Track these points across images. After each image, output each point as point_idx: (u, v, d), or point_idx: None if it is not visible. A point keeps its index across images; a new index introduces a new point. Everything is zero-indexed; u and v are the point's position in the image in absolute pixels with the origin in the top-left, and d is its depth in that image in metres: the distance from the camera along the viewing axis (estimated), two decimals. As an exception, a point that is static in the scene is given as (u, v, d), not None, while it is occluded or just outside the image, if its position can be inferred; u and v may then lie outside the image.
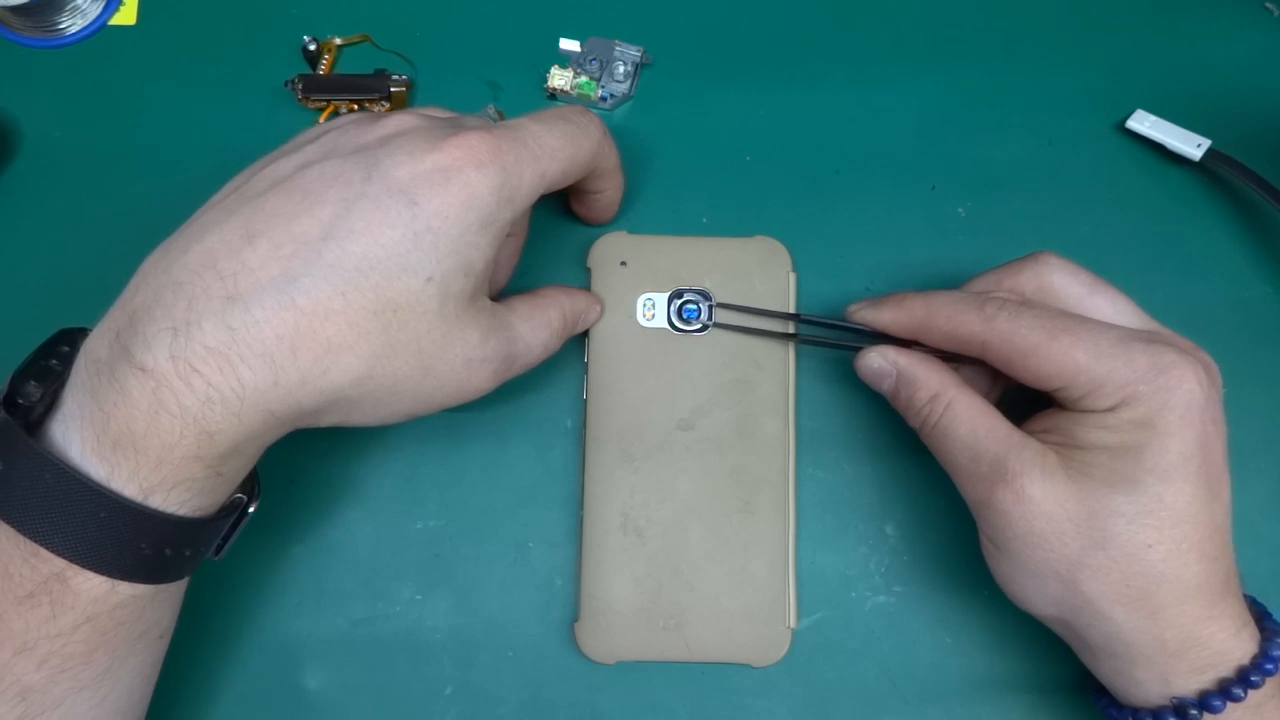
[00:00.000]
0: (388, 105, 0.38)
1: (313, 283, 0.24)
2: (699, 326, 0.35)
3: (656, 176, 0.38)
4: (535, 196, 0.28)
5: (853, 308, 0.32)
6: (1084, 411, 0.27)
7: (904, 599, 0.34)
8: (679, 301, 0.35)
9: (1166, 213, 0.38)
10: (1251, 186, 0.36)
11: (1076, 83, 0.39)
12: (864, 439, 0.35)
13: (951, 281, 0.37)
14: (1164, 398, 0.26)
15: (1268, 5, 0.40)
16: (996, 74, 0.39)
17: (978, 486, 0.28)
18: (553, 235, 0.37)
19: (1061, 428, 0.28)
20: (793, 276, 0.35)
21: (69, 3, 0.39)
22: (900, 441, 0.35)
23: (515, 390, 0.36)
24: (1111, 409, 0.27)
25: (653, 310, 0.35)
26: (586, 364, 0.35)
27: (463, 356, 0.27)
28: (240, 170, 0.29)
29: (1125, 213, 0.38)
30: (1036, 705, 0.33)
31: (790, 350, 0.35)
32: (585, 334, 0.35)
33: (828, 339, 0.34)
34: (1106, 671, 0.28)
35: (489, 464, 0.35)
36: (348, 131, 0.28)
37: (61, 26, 0.40)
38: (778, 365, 0.35)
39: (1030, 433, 0.29)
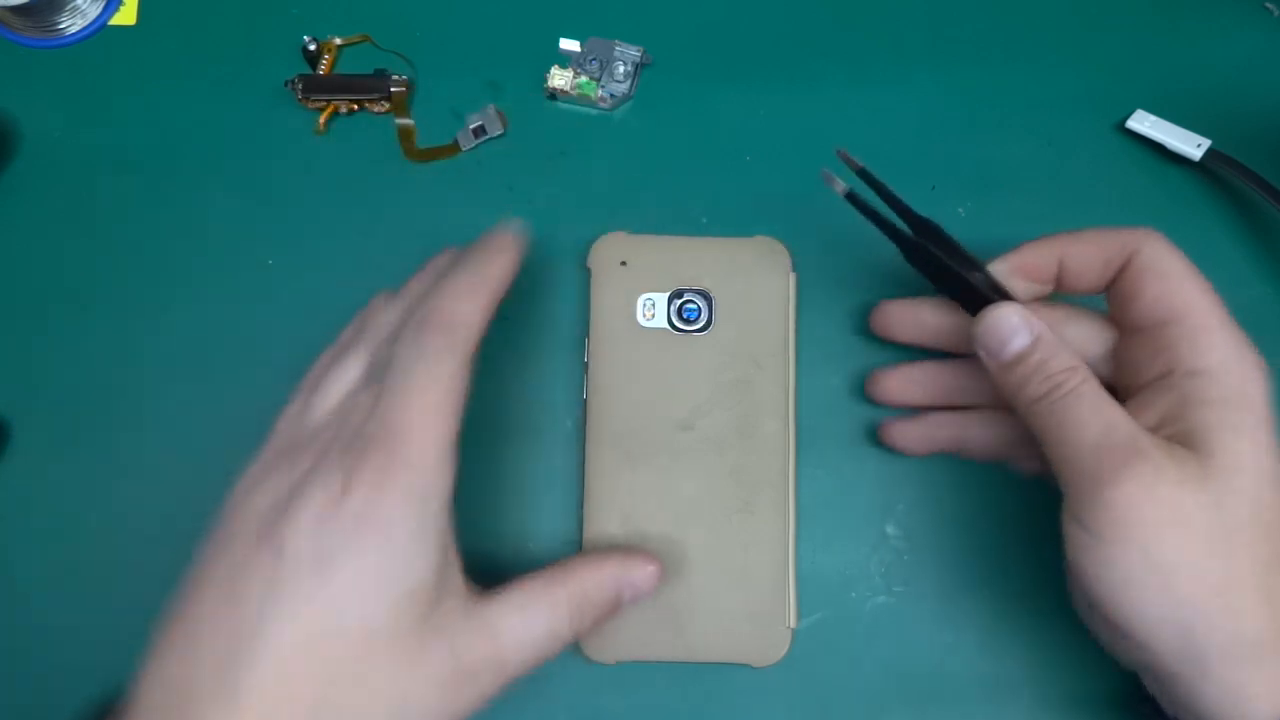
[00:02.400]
0: (388, 105, 0.38)
1: (259, 684, 0.24)
2: (699, 326, 0.35)
3: (656, 176, 0.38)
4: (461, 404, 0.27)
5: (996, 260, 0.30)
6: (1171, 375, 0.27)
7: (904, 599, 0.34)
8: (679, 301, 0.35)
9: (1166, 213, 0.38)
10: (1251, 186, 0.36)
11: (1076, 83, 0.39)
12: (864, 439, 0.35)
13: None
14: (1258, 375, 0.26)
15: (1268, 5, 0.40)
16: (996, 74, 0.39)
17: (1105, 462, 0.25)
18: (551, 235, 0.37)
19: (1173, 415, 0.27)
20: (793, 276, 0.35)
21: (69, 3, 0.39)
22: (900, 441, 0.35)
23: (515, 391, 0.36)
24: (1203, 371, 0.26)
25: (652, 310, 0.35)
26: (586, 364, 0.35)
27: (432, 682, 0.25)
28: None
29: (1125, 213, 0.38)
30: (1036, 705, 0.33)
31: (790, 350, 0.35)
32: (585, 334, 0.35)
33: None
34: (1216, 690, 0.25)
35: (489, 464, 0.35)
36: (254, 500, 0.27)
37: (61, 26, 0.40)
38: (778, 365, 0.35)
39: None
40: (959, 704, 0.33)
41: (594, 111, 0.39)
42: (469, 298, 0.28)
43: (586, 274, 0.36)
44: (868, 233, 0.37)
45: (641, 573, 0.30)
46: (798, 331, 0.35)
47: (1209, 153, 0.37)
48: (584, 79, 0.38)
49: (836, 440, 0.35)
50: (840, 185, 0.30)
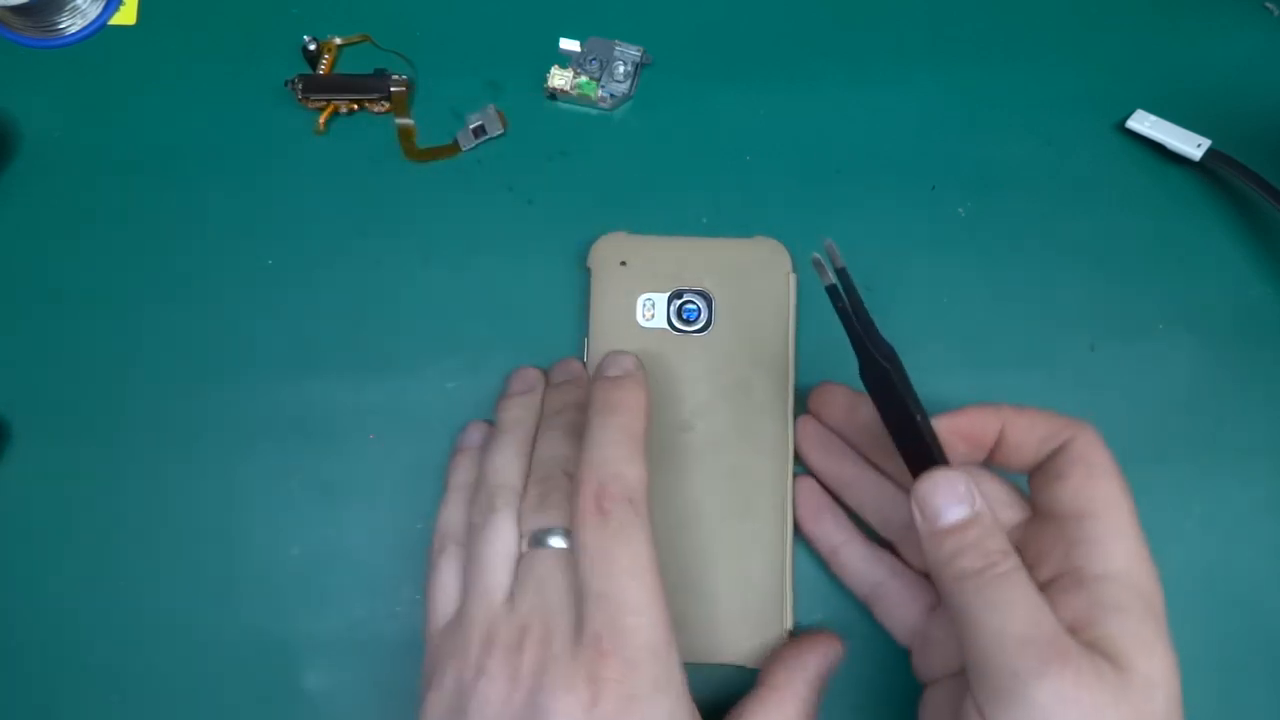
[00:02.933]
0: (388, 105, 0.38)
1: None
2: (699, 327, 0.35)
3: (656, 176, 0.38)
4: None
5: (943, 417, 0.30)
6: (1078, 576, 0.27)
7: (904, 599, 0.34)
8: (679, 302, 0.35)
9: (1166, 213, 0.38)
10: (1251, 186, 0.36)
11: (1076, 83, 0.39)
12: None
13: (951, 281, 0.37)
14: (1158, 586, 0.27)
15: (1268, 5, 0.40)
16: (996, 74, 0.39)
17: (1030, 657, 0.24)
18: (551, 235, 0.37)
19: (1086, 622, 0.26)
20: (793, 278, 0.35)
21: (69, 3, 0.39)
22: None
23: (515, 390, 0.36)
24: (1108, 576, 0.26)
25: (652, 310, 0.35)
26: (585, 364, 0.35)
27: None
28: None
29: (1125, 213, 0.38)
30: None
31: (790, 351, 0.35)
32: (585, 334, 0.35)
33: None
34: None
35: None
36: (483, 694, 0.27)
37: (61, 26, 0.40)
38: (778, 367, 0.35)
39: None
40: (959, 704, 0.33)
41: (594, 111, 0.39)
42: (632, 459, 0.29)
43: (587, 274, 0.36)
44: (867, 233, 0.37)
45: (836, 651, 0.31)
46: (798, 332, 0.35)
47: (1209, 153, 0.37)
48: (584, 79, 0.38)
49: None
50: (828, 277, 0.29)
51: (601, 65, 0.38)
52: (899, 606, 0.32)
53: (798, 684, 0.30)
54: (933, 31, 0.40)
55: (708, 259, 0.35)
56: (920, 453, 0.28)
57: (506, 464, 0.31)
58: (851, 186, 0.38)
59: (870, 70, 0.39)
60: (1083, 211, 0.38)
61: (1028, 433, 0.29)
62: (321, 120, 0.38)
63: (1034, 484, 0.29)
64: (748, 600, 0.33)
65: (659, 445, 0.34)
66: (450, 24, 0.40)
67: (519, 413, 0.33)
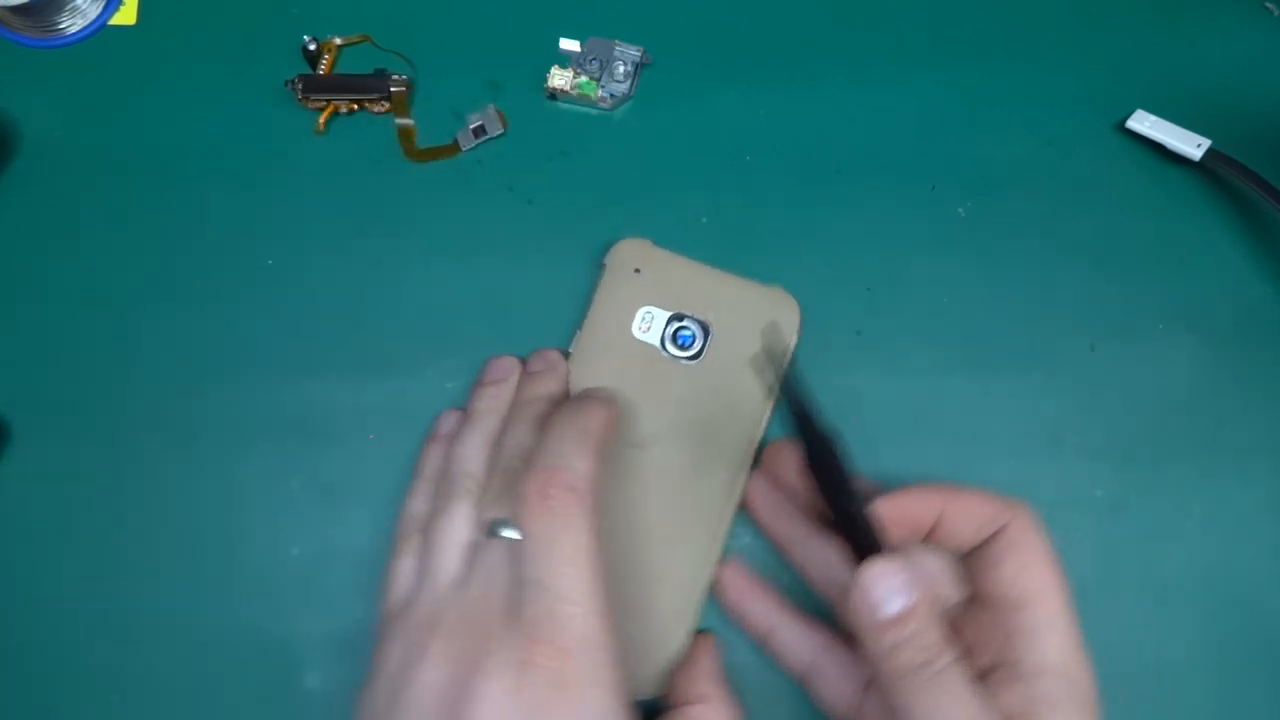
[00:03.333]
0: (388, 105, 0.38)
1: None
2: (689, 354, 0.34)
3: (656, 176, 0.38)
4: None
5: (883, 498, 0.30)
6: (1015, 668, 0.27)
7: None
8: (677, 324, 0.35)
9: (1166, 213, 0.38)
10: (1251, 186, 0.36)
11: (1076, 83, 0.39)
12: (864, 438, 0.35)
13: (951, 281, 0.37)
14: (1090, 686, 0.27)
15: (1268, 5, 0.40)
16: (996, 74, 0.39)
17: None
18: (551, 235, 0.37)
19: (1022, 716, 0.26)
20: (797, 336, 0.35)
21: (69, 3, 0.39)
22: (898, 442, 0.35)
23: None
24: (1042, 671, 0.26)
25: (649, 324, 0.35)
26: (569, 354, 0.35)
27: None
28: None
29: (1125, 213, 0.38)
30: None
31: (767, 407, 0.34)
32: (578, 326, 0.35)
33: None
34: None
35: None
36: (421, 676, 0.27)
37: (61, 26, 0.40)
38: (750, 416, 0.34)
39: None
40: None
41: (594, 111, 0.39)
42: (584, 454, 0.29)
43: (600, 270, 0.36)
44: (868, 233, 0.37)
45: (713, 644, 0.32)
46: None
47: (1209, 153, 0.37)
48: (584, 79, 0.38)
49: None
50: (765, 367, 0.31)
51: (601, 65, 0.38)
52: (835, 683, 0.31)
53: (707, 687, 0.31)
54: (933, 31, 0.40)
55: (719, 292, 0.35)
56: (859, 538, 0.27)
57: (471, 453, 0.32)
58: (851, 186, 0.38)
59: (870, 70, 0.39)
60: (1083, 211, 0.38)
61: (965, 518, 0.29)
62: (321, 120, 0.38)
63: (971, 566, 0.29)
64: (644, 632, 0.32)
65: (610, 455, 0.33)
66: (450, 24, 0.40)
67: (490, 403, 0.33)
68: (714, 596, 0.33)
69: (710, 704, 0.30)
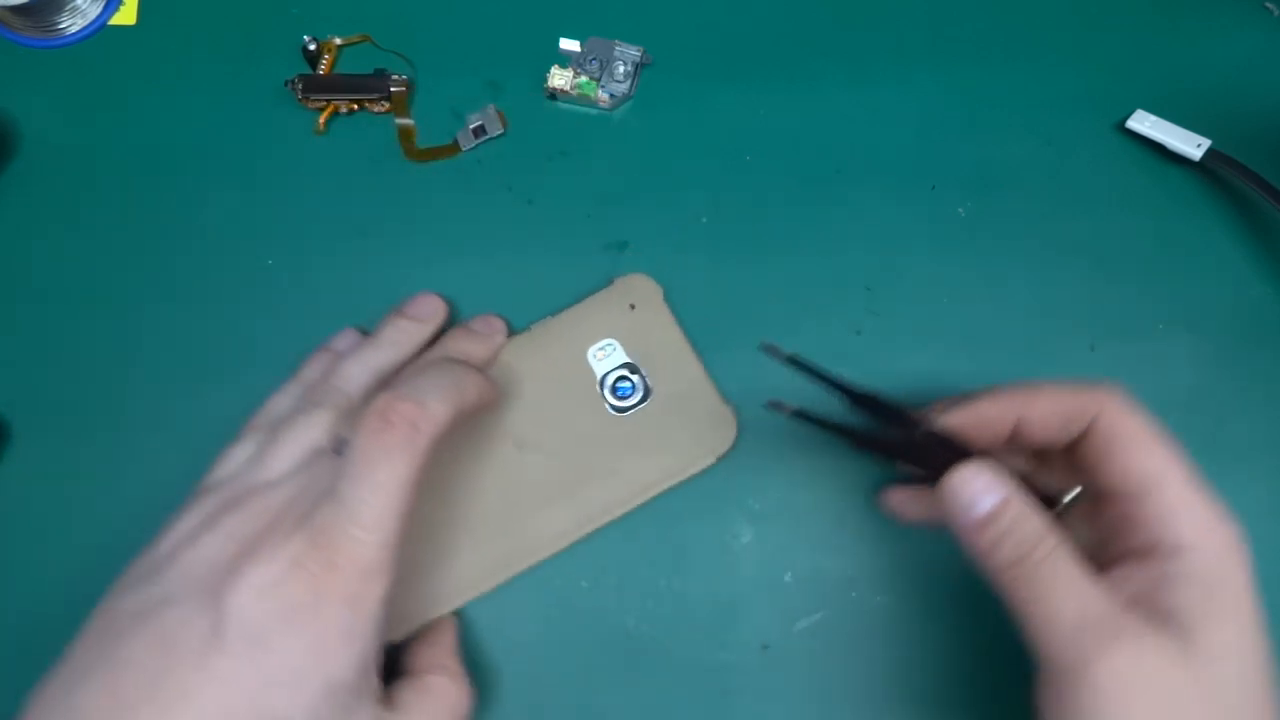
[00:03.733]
0: (388, 105, 0.38)
1: None
2: (623, 405, 0.34)
3: (656, 176, 0.38)
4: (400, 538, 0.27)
5: (935, 408, 0.29)
6: (1152, 553, 0.26)
7: (904, 599, 0.34)
8: (626, 374, 0.34)
9: (1166, 213, 0.38)
10: (1251, 186, 0.36)
11: (1076, 83, 0.39)
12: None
13: (951, 281, 0.37)
14: (1237, 552, 0.26)
15: (1268, 5, 0.40)
16: (996, 74, 0.39)
17: (1086, 642, 0.24)
18: (550, 235, 0.37)
19: (1147, 595, 0.26)
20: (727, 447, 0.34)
21: (69, 3, 0.39)
22: (900, 441, 0.35)
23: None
24: (1181, 548, 0.25)
25: (605, 355, 0.35)
26: (522, 332, 0.35)
27: None
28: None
29: (1125, 213, 0.38)
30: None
31: (646, 496, 0.34)
32: (549, 315, 0.35)
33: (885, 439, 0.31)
34: None
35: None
36: (203, 544, 0.27)
37: (61, 26, 0.40)
38: (625, 494, 0.34)
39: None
40: (959, 704, 0.33)
41: (594, 111, 0.39)
42: (444, 402, 0.29)
43: (606, 284, 0.36)
44: (867, 233, 0.37)
45: (454, 624, 0.32)
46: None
47: (1209, 153, 0.37)
48: (584, 79, 0.38)
49: (836, 439, 0.35)
50: (788, 406, 0.30)
51: (601, 65, 0.38)
52: None
53: (451, 661, 0.31)
54: (933, 31, 0.40)
55: (682, 374, 0.35)
56: (940, 457, 0.27)
57: (356, 374, 0.31)
58: (851, 186, 0.38)
59: (870, 70, 0.39)
60: (1083, 211, 0.38)
61: (1046, 418, 0.28)
62: (321, 120, 0.38)
63: (1076, 462, 0.28)
64: (419, 589, 0.32)
65: (492, 433, 0.34)
66: (450, 24, 0.40)
67: (398, 335, 0.32)
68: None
69: (448, 675, 0.30)
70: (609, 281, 0.36)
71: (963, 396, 0.30)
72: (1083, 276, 0.37)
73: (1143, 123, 0.38)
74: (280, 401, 0.32)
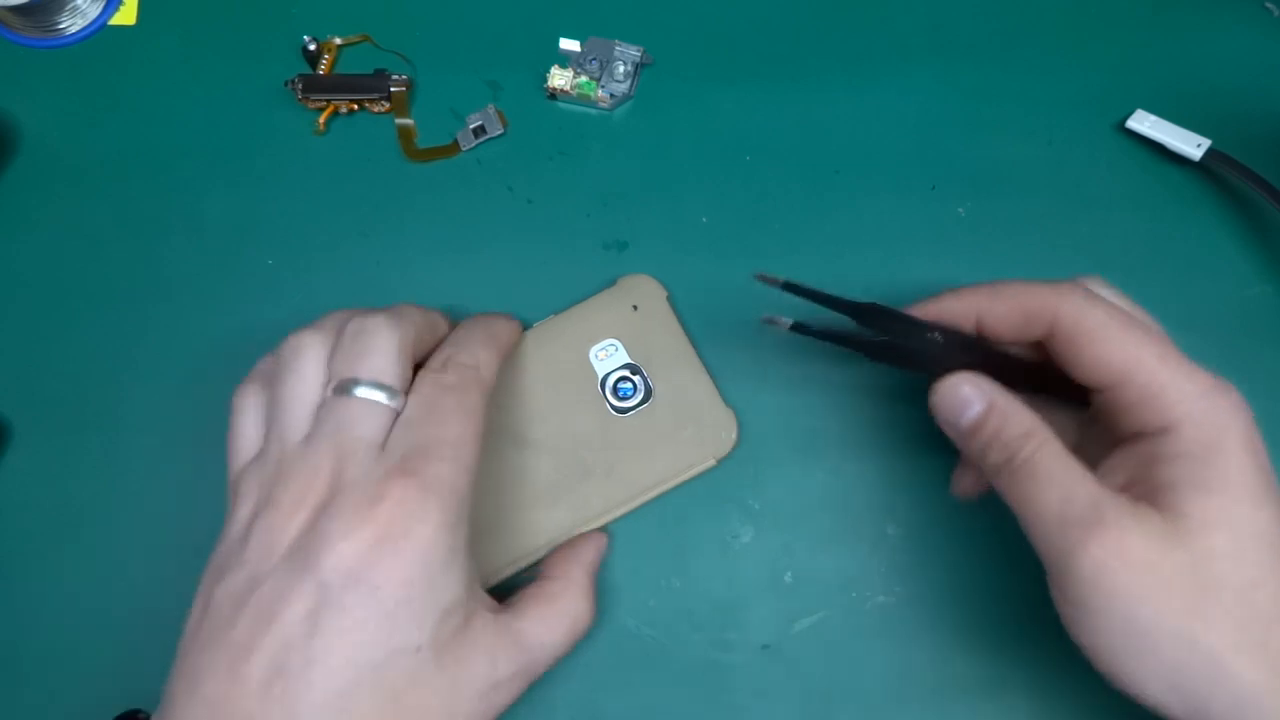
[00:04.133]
0: (388, 105, 0.38)
1: (312, 713, 0.24)
2: (623, 405, 0.34)
3: (656, 176, 0.38)
4: (477, 462, 0.28)
5: (914, 305, 0.30)
6: (1140, 435, 0.26)
7: (904, 599, 0.34)
8: (627, 374, 0.34)
9: (1166, 213, 0.38)
10: (1251, 186, 0.36)
11: (1076, 83, 0.39)
12: (865, 438, 0.35)
13: (951, 281, 0.37)
14: (1225, 419, 0.25)
15: (1268, 5, 0.40)
16: (996, 73, 0.39)
17: (1069, 534, 0.25)
18: (550, 235, 0.37)
19: (1139, 477, 0.26)
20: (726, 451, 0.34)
21: (69, 3, 0.39)
22: (902, 441, 0.35)
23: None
24: (1170, 427, 0.25)
25: (607, 356, 0.35)
26: (525, 334, 0.35)
27: (475, 693, 0.27)
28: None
29: (1125, 213, 0.38)
30: (1038, 706, 0.33)
31: (643, 500, 0.34)
32: (553, 313, 0.35)
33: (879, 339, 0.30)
34: None
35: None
36: (268, 521, 0.27)
37: (61, 26, 0.40)
38: (624, 496, 0.33)
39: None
40: (959, 704, 0.33)
41: (594, 111, 0.39)
42: (488, 350, 0.31)
43: (609, 284, 0.36)
44: (867, 233, 0.37)
45: (604, 544, 0.33)
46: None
47: (1209, 153, 0.37)
48: (584, 79, 0.38)
49: (838, 439, 0.35)
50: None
51: (601, 65, 0.38)
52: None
53: (578, 573, 0.31)
54: (933, 31, 0.40)
55: (685, 379, 0.34)
56: (947, 360, 0.28)
57: (343, 316, 0.30)
58: (851, 186, 0.38)
59: (870, 70, 0.39)
60: (1083, 211, 0.38)
61: (1006, 317, 0.28)
62: (321, 120, 0.38)
63: (1053, 357, 0.28)
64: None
65: (498, 430, 0.34)
66: (450, 24, 0.40)
67: (413, 313, 0.31)
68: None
69: (574, 585, 0.31)
70: (613, 281, 0.36)
71: (926, 299, 0.30)
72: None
73: (1143, 123, 0.38)
74: (268, 361, 0.31)
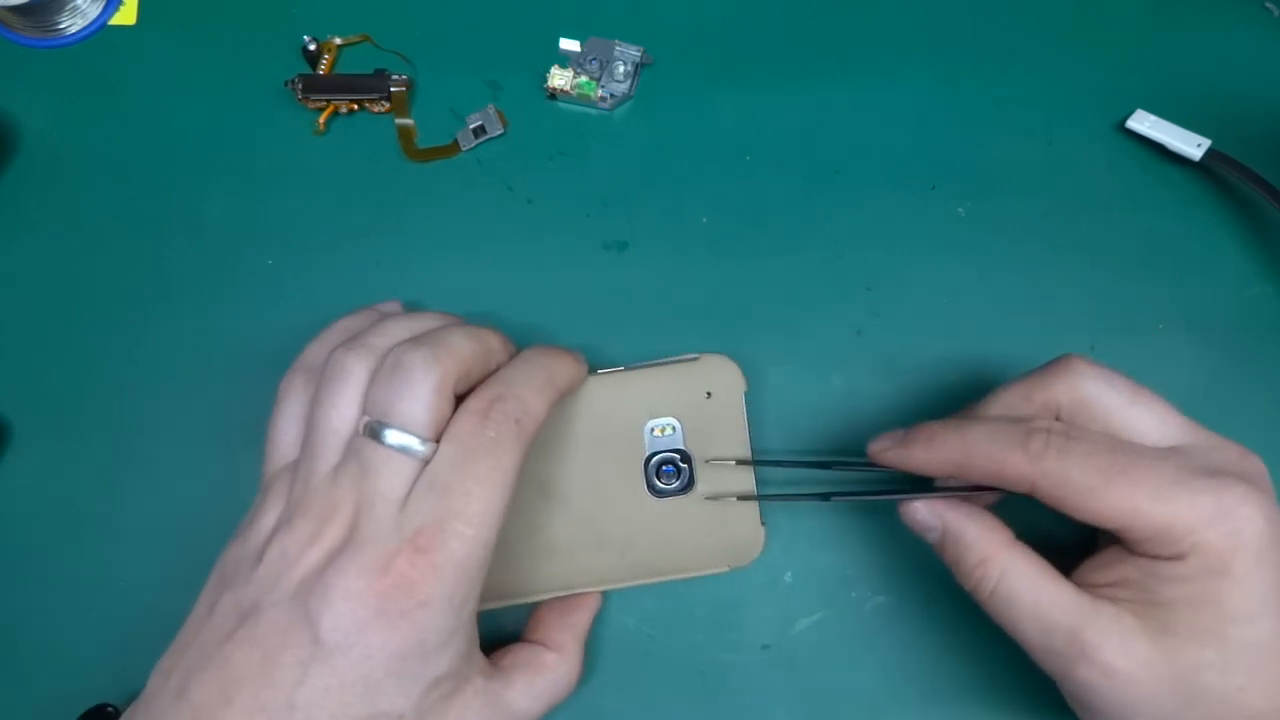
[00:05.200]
0: (388, 105, 0.38)
1: None
2: (667, 487, 0.33)
3: (656, 176, 0.38)
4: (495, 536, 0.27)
5: (877, 446, 0.29)
6: (1150, 558, 0.26)
7: (904, 599, 0.34)
8: (675, 459, 0.33)
9: (1166, 213, 0.38)
10: (1251, 186, 0.36)
11: (1076, 83, 0.39)
12: (864, 438, 0.35)
13: (951, 283, 0.37)
14: (1235, 541, 0.24)
15: (1268, 5, 0.40)
16: (997, 73, 0.39)
17: (1054, 661, 0.26)
18: (550, 235, 0.37)
19: (1134, 582, 0.26)
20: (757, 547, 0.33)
21: (69, 3, 0.39)
22: (900, 441, 0.35)
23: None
24: (1179, 556, 0.25)
25: (662, 433, 0.33)
26: (591, 374, 0.34)
27: None
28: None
29: (1125, 213, 0.38)
30: (1037, 706, 0.33)
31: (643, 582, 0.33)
32: (626, 366, 0.34)
33: (863, 488, 0.33)
34: None
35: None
36: (282, 546, 0.26)
37: (61, 26, 0.40)
38: (628, 573, 0.32)
39: (1097, 585, 0.27)
40: (959, 704, 0.33)
41: (594, 111, 0.39)
42: (540, 396, 0.29)
43: (692, 359, 0.33)
44: (868, 233, 0.37)
45: (597, 607, 0.33)
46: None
47: (1209, 153, 0.37)
48: (584, 79, 0.38)
49: (838, 439, 0.35)
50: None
51: (601, 65, 0.38)
52: None
53: (571, 643, 0.31)
54: (932, 31, 0.40)
55: (734, 482, 0.33)
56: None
57: (394, 332, 0.29)
58: (851, 186, 0.38)
59: (870, 70, 0.39)
60: (1083, 211, 0.38)
61: (984, 481, 0.28)
62: (321, 120, 0.38)
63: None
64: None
65: (529, 478, 0.32)
66: (450, 24, 0.40)
67: (462, 343, 0.29)
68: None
69: (562, 652, 0.31)
70: (694, 358, 0.33)
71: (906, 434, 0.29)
72: (1083, 276, 0.37)
73: (1143, 123, 0.38)
74: (316, 351, 0.31)
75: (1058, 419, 0.28)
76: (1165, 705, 0.25)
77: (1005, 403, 0.29)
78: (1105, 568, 0.27)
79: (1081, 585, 0.27)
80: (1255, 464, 0.27)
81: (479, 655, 0.28)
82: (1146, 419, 0.27)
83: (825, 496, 0.32)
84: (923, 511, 0.29)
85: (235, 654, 0.25)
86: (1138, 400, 0.27)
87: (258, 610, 0.26)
